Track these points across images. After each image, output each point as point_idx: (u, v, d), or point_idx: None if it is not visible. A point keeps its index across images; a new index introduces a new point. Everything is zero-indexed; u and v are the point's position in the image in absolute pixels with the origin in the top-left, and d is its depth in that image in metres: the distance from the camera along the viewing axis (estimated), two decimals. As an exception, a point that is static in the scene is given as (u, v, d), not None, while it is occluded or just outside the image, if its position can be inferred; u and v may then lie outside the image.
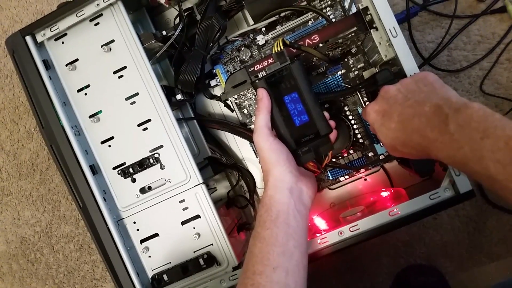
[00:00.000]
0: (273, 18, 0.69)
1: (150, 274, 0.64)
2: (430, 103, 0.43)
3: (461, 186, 0.56)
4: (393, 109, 0.47)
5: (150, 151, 0.62)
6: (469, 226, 0.80)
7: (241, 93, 0.65)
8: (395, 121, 0.46)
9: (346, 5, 0.68)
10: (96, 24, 0.63)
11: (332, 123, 0.58)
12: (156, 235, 0.63)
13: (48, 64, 0.64)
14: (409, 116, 0.45)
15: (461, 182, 0.56)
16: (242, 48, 0.72)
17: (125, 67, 0.62)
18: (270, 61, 0.58)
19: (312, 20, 0.69)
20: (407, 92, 0.47)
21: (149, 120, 0.62)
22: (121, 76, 0.62)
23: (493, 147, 0.36)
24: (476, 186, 0.77)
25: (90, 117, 0.63)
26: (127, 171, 0.63)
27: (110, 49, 0.62)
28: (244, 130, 0.72)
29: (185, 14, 0.67)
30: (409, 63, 0.56)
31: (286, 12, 0.69)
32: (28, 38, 0.63)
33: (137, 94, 0.62)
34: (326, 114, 0.57)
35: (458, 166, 0.41)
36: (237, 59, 0.73)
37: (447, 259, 0.81)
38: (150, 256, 0.64)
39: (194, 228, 0.62)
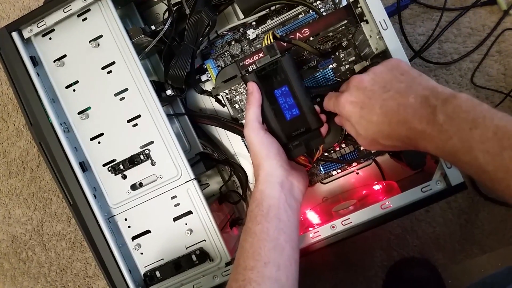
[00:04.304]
0: (263, 12, 0.68)
1: (142, 271, 0.63)
2: (415, 94, 0.42)
3: (452, 179, 0.56)
4: (373, 101, 0.45)
5: (141, 147, 0.62)
6: (461, 218, 0.81)
7: (232, 88, 0.65)
8: (377, 114, 0.45)
9: (337, -2, 0.68)
10: (84, 20, 0.62)
11: (323, 117, 0.58)
12: (148, 231, 0.63)
13: (35, 61, 0.63)
14: (393, 108, 0.43)
15: (452, 175, 0.56)
16: (233, 43, 0.72)
17: (113, 63, 0.61)
18: (261, 55, 0.58)
19: (302, 13, 0.69)
20: (384, 82, 0.46)
21: (139, 116, 0.61)
22: (109, 72, 0.61)
23: (482, 137, 0.36)
24: (468, 178, 0.77)
25: (79, 113, 0.62)
26: (117, 168, 0.62)
27: (99, 44, 0.61)
28: (236, 125, 0.71)
29: (174, 8, 0.66)
30: (400, 56, 0.56)
31: (277, 6, 0.68)
32: (15, 34, 0.62)
33: (126, 89, 0.61)
34: (317, 108, 0.57)
35: (447, 157, 0.41)
36: (227, 53, 0.73)
37: (439, 251, 0.82)
38: (142, 253, 0.63)
39: (186, 224, 0.62)
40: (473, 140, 0.36)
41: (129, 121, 0.62)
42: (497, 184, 0.36)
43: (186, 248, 0.62)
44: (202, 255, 0.61)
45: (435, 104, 0.40)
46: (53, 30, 0.63)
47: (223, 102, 0.72)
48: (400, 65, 0.47)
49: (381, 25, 0.56)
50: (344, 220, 0.59)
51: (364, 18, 0.58)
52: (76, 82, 0.63)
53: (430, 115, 0.40)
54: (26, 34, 0.62)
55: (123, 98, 0.62)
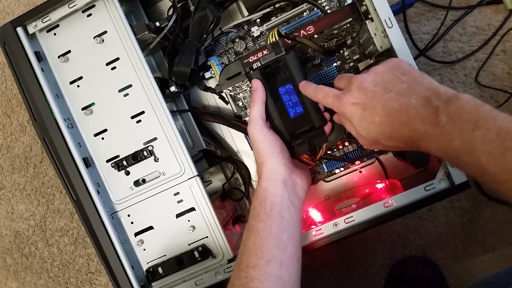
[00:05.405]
0: (268, 9, 0.68)
1: (145, 267, 0.63)
2: (417, 95, 0.42)
3: (456, 177, 0.56)
4: (375, 102, 0.44)
5: (144, 144, 0.62)
6: (464, 218, 0.80)
7: (236, 85, 0.65)
8: (379, 115, 0.44)
9: (341, -5, 0.68)
10: (88, 15, 0.62)
11: (327, 115, 0.57)
12: (150, 228, 0.63)
13: (40, 56, 0.63)
14: (395, 109, 0.43)
15: (456, 173, 0.55)
16: (237, 40, 0.72)
17: (118, 59, 0.61)
18: (265, 52, 0.58)
19: (307, 11, 0.69)
20: (385, 82, 0.45)
21: (142, 112, 0.61)
22: (114, 68, 0.61)
23: (484, 138, 0.35)
24: (471, 178, 0.77)
25: (83, 109, 0.63)
26: (120, 164, 0.62)
27: (103, 40, 0.61)
28: (239, 123, 0.71)
29: (179, 4, 0.66)
30: (404, 54, 0.56)
31: (281, 3, 0.68)
32: (20, 30, 0.62)
33: (130, 86, 0.61)
34: (321, 106, 0.57)
35: (449, 158, 0.40)
36: (231, 50, 0.73)
37: (442, 250, 0.82)
38: (144, 249, 0.63)
39: (189, 220, 0.62)
40: (475, 141, 0.36)
41: (132, 117, 0.62)
42: (500, 185, 0.36)
43: (189, 245, 0.62)
44: (205, 252, 0.61)
45: (437, 105, 0.40)
46: (57, 25, 0.63)
47: (226, 99, 0.72)
48: (401, 65, 0.46)
49: (386, 23, 0.56)
50: (347, 218, 0.59)
51: (369, 16, 0.58)
52: (80, 78, 0.63)
53: (432, 116, 0.40)
54: (31, 29, 0.62)
55: (127, 94, 0.62)
